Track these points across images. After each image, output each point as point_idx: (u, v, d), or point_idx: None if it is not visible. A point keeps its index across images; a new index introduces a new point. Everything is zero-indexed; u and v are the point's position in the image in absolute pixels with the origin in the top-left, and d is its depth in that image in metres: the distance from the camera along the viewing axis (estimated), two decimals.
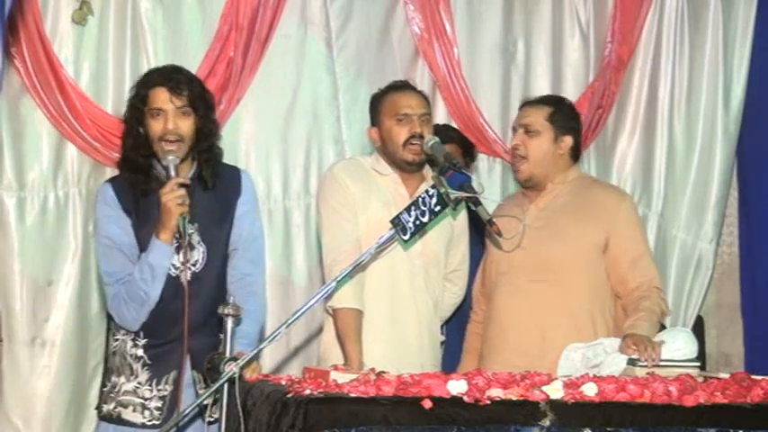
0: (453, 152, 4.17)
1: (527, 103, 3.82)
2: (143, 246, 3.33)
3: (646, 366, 3.17)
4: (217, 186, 3.43)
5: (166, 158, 3.31)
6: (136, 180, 3.37)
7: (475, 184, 3.24)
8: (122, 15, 4.44)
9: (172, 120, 3.33)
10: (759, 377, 3.03)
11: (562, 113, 3.74)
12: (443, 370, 3.74)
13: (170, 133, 3.32)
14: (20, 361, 4.37)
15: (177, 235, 3.31)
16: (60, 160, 4.43)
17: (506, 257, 3.70)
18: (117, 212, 3.36)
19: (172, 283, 3.33)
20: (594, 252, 3.63)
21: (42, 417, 4.39)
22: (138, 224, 3.36)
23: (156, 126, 3.34)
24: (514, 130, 3.78)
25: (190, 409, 2.92)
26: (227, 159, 4.44)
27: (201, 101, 3.39)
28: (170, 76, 3.37)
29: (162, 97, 3.34)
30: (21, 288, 4.38)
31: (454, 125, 4.76)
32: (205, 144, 3.41)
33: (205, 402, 3.02)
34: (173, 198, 3.25)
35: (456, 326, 4.03)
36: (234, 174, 3.54)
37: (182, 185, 3.28)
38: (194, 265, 3.38)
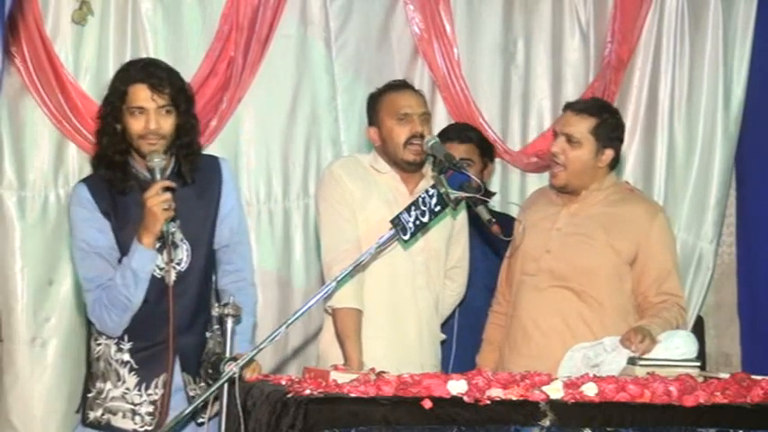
0: (470, 153, 4.19)
1: (572, 109, 3.71)
2: (123, 248, 3.24)
3: (644, 365, 3.18)
4: (197, 180, 3.35)
5: (152, 161, 3.20)
6: (113, 178, 3.26)
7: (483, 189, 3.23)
8: (122, 15, 4.44)
9: (154, 119, 3.22)
10: (759, 377, 3.04)
11: (606, 126, 3.64)
12: (449, 370, 3.73)
13: (152, 133, 3.22)
14: (20, 361, 4.37)
15: (159, 236, 3.22)
16: (61, 159, 4.43)
17: (534, 259, 3.68)
18: (94, 215, 3.25)
19: (157, 284, 3.26)
20: (621, 264, 3.61)
21: (41, 417, 4.39)
22: (118, 225, 3.25)
23: (136, 125, 3.23)
24: (555, 134, 3.71)
25: (191, 408, 2.91)
26: (228, 159, 4.48)
27: (182, 96, 3.29)
28: (151, 72, 3.24)
29: (143, 95, 3.22)
30: (21, 287, 4.37)
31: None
32: (186, 139, 3.32)
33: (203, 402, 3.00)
34: (158, 203, 3.14)
35: (468, 324, 4.03)
36: (213, 164, 3.45)
37: (167, 189, 3.18)
38: (179, 264, 3.30)
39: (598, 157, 3.65)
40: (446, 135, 4.23)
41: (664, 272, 3.62)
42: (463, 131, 4.31)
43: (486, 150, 4.32)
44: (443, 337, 3.86)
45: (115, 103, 3.25)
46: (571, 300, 3.61)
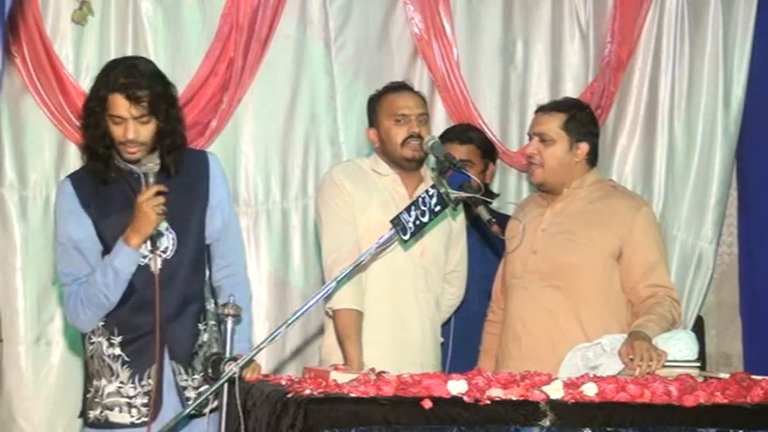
0: (470, 154, 4.19)
1: (541, 110, 3.75)
2: (103, 238, 3.28)
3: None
4: (182, 172, 3.35)
5: (145, 165, 3.24)
6: (96, 169, 3.29)
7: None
8: (123, 15, 4.45)
9: (132, 129, 3.22)
10: (759, 377, 3.03)
11: (577, 120, 3.66)
12: (448, 371, 3.73)
13: (130, 142, 3.23)
14: (24, 361, 4.37)
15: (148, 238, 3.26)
16: (62, 159, 4.44)
17: (521, 261, 3.68)
18: (75, 208, 3.29)
19: (142, 271, 3.28)
20: (608, 260, 3.60)
21: (47, 417, 4.40)
22: (99, 215, 3.28)
23: (116, 131, 3.24)
24: (530, 136, 3.73)
25: (190, 408, 2.91)
26: (227, 159, 4.50)
27: (162, 103, 3.26)
28: (130, 83, 3.21)
29: (121, 105, 3.21)
30: (24, 287, 4.38)
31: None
32: (167, 141, 3.32)
33: (198, 395, 3.00)
34: (153, 206, 3.19)
35: (464, 328, 4.02)
36: (201, 158, 3.46)
37: (159, 193, 3.21)
38: (164, 252, 3.31)
39: (573, 152, 3.66)
40: (447, 136, 4.24)
41: (650, 264, 3.61)
42: (464, 132, 4.31)
43: (488, 151, 4.32)
44: (442, 340, 3.86)
45: (95, 108, 3.25)
46: (558, 298, 3.60)
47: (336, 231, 3.63)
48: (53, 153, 4.43)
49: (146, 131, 3.25)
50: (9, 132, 4.39)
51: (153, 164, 3.25)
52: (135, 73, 3.24)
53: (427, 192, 3.09)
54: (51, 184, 4.41)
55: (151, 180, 3.24)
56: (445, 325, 3.96)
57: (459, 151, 4.11)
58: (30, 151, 4.42)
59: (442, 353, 3.85)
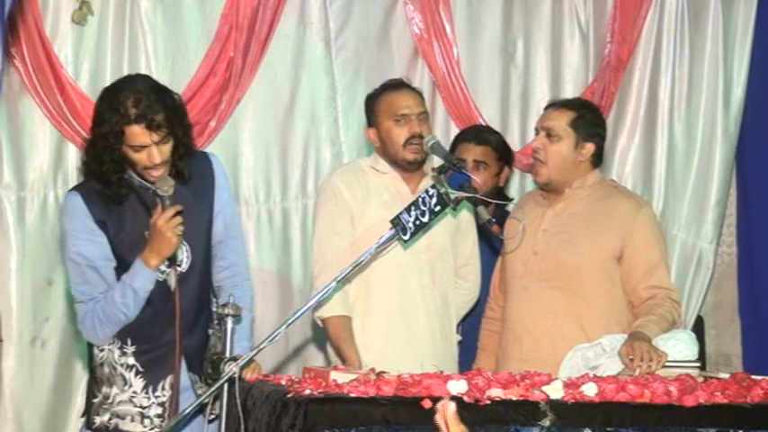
0: (486, 155, 4.17)
1: (552, 106, 3.76)
2: (119, 254, 3.23)
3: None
4: (192, 177, 3.31)
5: (161, 188, 3.18)
6: (110, 193, 3.23)
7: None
8: (122, 15, 4.45)
9: (156, 153, 3.16)
10: (759, 377, 3.03)
11: (585, 120, 3.65)
12: (460, 368, 3.72)
13: (157, 165, 3.18)
14: (20, 361, 4.38)
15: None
16: (60, 160, 4.44)
17: (522, 261, 3.67)
18: (88, 225, 3.22)
19: (159, 286, 3.25)
20: (608, 261, 3.60)
21: (42, 417, 4.40)
22: (114, 231, 3.24)
23: (139, 158, 3.17)
24: (537, 131, 3.73)
25: (191, 408, 2.91)
26: (227, 159, 4.50)
27: (176, 118, 3.21)
28: (144, 110, 3.12)
29: (141, 134, 3.13)
30: (21, 288, 4.38)
31: (452, 125, 4.76)
32: (182, 150, 3.27)
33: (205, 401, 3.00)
34: (171, 228, 3.16)
35: (468, 330, 4.01)
36: (204, 161, 3.41)
37: (177, 213, 3.18)
38: (179, 265, 3.28)
39: (578, 151, 3.65)
40: (463, 136, 4.23)
41: (651, 265, 3.60)
42: (481, 133, 4.30)
43: (504, 154, 4.29)
44: (459, 338, 3.85)
45: (114, 144, 3.16)
46: (559, 299, 3.60)
47: (326, 240, 3.63)
48: (51, 154, 4.43)
49: (167, 150, 3.20)
50: (7, 133, 4.39)
51: (168, 186, 3.19)
52: (143, 98, 3.16)
53: (427, 192, 3.09)
54: (49, 185, 4.42)
55: (167, 203, 3.18)
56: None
57: (475, 152, 4.11)
58: (28, 152, 4.42)
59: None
